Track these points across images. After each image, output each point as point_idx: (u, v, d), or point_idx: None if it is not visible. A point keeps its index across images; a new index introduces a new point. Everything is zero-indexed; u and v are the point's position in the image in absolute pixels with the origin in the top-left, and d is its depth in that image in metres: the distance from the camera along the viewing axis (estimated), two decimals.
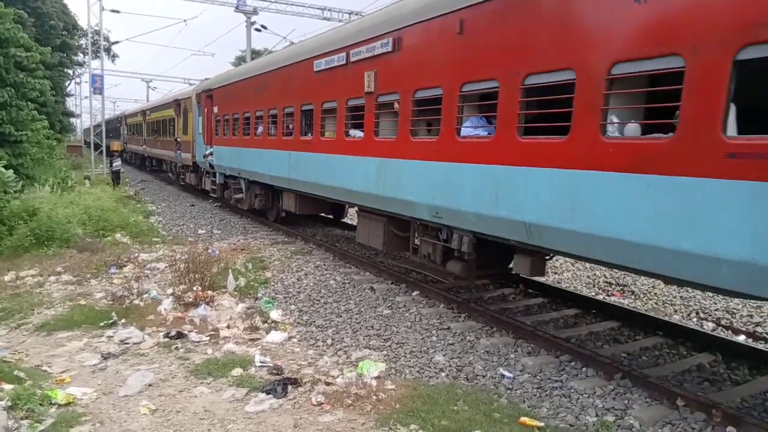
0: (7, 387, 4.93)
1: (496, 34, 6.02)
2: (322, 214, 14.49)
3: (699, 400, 4.87)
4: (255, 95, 13.52)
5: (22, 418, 4.48)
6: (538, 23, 5.47)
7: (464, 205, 6.48)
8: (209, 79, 18.51)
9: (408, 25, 7.44)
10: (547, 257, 6.69)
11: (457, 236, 6.97)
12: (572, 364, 5.90)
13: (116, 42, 49.73)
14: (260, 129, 13.31)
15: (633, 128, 4.73)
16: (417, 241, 8.24)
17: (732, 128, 3.95)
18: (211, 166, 17.43)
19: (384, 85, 8.05)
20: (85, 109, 56.52)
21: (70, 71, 46.25)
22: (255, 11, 28.46)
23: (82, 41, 42.25)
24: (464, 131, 6.56)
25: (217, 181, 17.33)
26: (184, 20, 33.37)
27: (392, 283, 8.95)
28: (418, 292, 8.41)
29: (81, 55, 44.49)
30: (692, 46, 4.06)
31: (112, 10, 31.57)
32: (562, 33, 5.19)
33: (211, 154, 17.19)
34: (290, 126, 11.55)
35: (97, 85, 30.47)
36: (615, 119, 4.79)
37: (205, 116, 17.72)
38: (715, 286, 4.21)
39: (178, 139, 22.13)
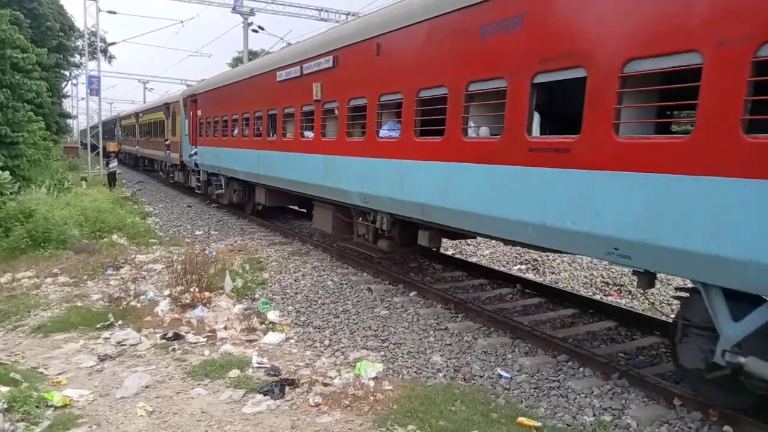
0: (3, 389, 4.91)
1: (400, 58, 7.65)
2: (295, 207, 15.76)
3: (696, 400, 4.88)
4: (232, 100, 15.08)
5: (18, 421, 4.47)
6: (424, 52, 7.19)
7: (382, 191, 8.05)
8: (194, 85, 20.54)
9: (343, 47, 9.08)
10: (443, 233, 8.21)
11: (380, 217, 8.62)
12: (569, 364, 5.90)
13: (113, 43, 49.81)
14: (236, 131, 14.75)
15: (484, 131, 6.39)
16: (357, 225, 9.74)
17: (535, 131, 5.65)
18: (196, 164, 18.82)
19: (328, 95, 9.66)
20: (82, 110, 56.34)
21: (67, 72, 46.15)
22: (252, 12, 28.45)
23: (79, 42, 42.11)
24: (382, 133, 8.12)
25: (201, 179, 18.81)
26: (181, 21, 33.36)
27: (390, 284, 8.96)
28: (415, 292, 8.41)
29: (78, 56, 44.37)
30: (509, 74, 5.73)
31: (109, 12, 31.57)
32: (438, 59, 6.87)
33: (196, 153, 18.53)
34: (259, 128, 13.09)
35: (93, 87, 30.41)
36: (473, 124, 6.48)
37: (191, 119, 19.22)
38: (523, 241, 5.96)
39: (167, 141, 23.52)
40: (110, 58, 52.10)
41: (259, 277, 9.59)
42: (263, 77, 12.76)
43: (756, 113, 3.88)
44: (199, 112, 18.26)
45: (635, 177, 4.52)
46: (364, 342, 6.69)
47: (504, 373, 5.70)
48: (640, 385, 5.28)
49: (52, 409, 4.79)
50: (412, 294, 8.39)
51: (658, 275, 5.84)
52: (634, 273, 5.22)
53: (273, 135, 12.29)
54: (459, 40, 6.48)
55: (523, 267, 10.90)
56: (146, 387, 5.35)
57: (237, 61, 45.75)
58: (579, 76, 4.98)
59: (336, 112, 9.44)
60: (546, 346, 6.29)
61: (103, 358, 6.11)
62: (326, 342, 6.81)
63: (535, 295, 8.47)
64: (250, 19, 28.53)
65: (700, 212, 4.10)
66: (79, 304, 8.09)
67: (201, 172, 18.62)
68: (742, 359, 4.19)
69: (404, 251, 9.47)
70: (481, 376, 5.71)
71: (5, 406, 4.58)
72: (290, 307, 8.11)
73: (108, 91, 57.01)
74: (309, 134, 10.54)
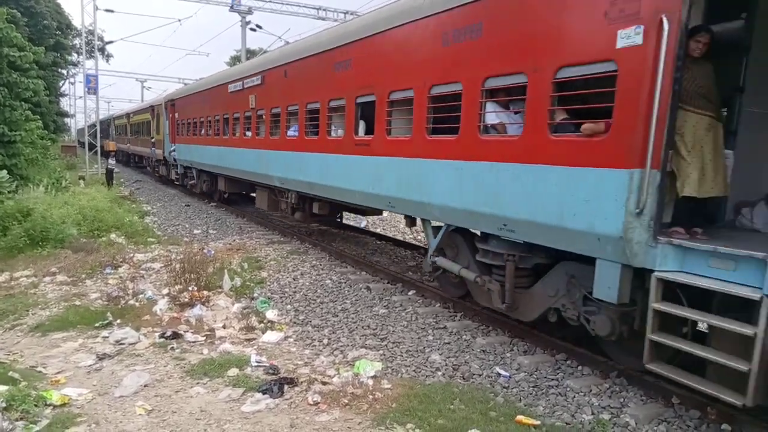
0: (2, 388, 4.90)
1: (298, 80, 10.85)
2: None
3: (694, 399, 4.89)
4: (200, 106, 18.31)
5: (17, 420, 4.46)
6: (309, 77, 10.36)
7: (290, 175, 11.22)
8: (173, 91, 24.28)
9: (266, 69, 12.54)
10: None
11: (291, 195, 11.92)
12: (568, 362, 5.92)
13: (111, 42, 49.68)
14: (203, 131, 17.93)
15: (340, 132, 9.33)
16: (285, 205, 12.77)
17: (361, 132, 8.63)
18: (175, 160, 21.87)
19: (258, 104, 13.05)
20: (80, 109, 56.12)
21: (64, 71, 46.06)
22: (250, 11, 28.42)
23: (76, 41, 42.07)
24: (289, 133, 11.31)
25: (179, 172, 22.29)
26: (179, 20, 33.33)
27: (388, 283, 8.96)
28: (414, 291, 8.42)
29: (75, 54, 44.30)
30: (417, 87, 7.21)
31: (107, 10, 31.52)
32: (315, 83, 10.01)
33: (174, 150, 21.60)
34: (218, 129, 16.31)
35: (91, 85, 30.35)
36: (334, 127, 9.60)
37: (170, 120, 22.30)
38: (354, 202, 9.37)
39: (153, 139, 26.52)
40: (108, 57, 52.08)
41: (258, 276, 9.59)
42: (220, 88, 15.95)
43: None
44: (177, 115, 21.33)
45: (397, 160, 7.57)
46: (362, 341, 6.69)
47: (503, 372, 5.71)
48: (639, 384, 5.30)
49: (51, 407, 4.78)
50: (410, 293, 8.39)
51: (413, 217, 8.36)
52: (405, 217, 8.43)
53: (227, 135, 15.51)
54: (323, 72, 9.70)
55: None
56: (145, 386, 5.34)
57: (235, 60, 45.71)
58: (371, 100, 8.16)
59: (264, 117, 12.74)
60: (544, 345, 6.31)
61: (101, 357, 6.10)
62: (325, 341, 6.81)
63: None
64: (248, 17, 28.52)
65: (417, 179, 7.19)
66: (77, 303, 8.08)
67: (178, 166, 21.81)
68: (436, 259, 7.43)
69: (312, 220, 12.71)
70: (480, 375, 5.72)
71: (4, 404, 4.57)
72: (289, 306, 8.11)
73: (106, 89, 56.88)
74: (248, 134, 13.87)
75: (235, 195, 18.25)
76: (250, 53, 32.80)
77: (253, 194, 15.91)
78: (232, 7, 28.08)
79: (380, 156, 8.00)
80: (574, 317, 5.62)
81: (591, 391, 5.27)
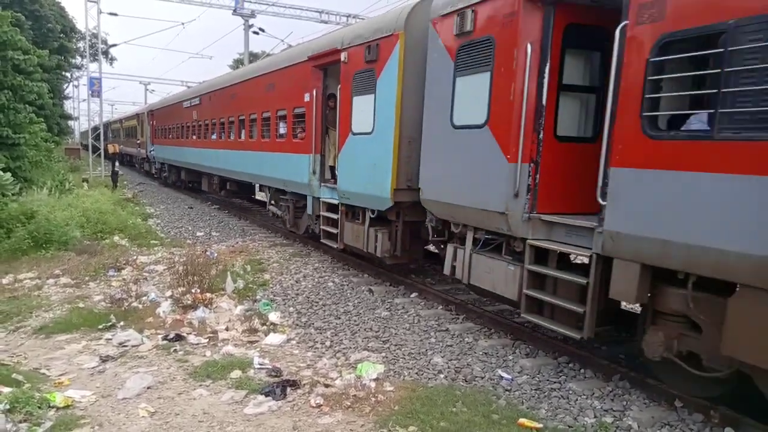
0: (6, 390, 4.92)
1: (214, 104, 17.37)
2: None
3: (697, 402, 4.88)
4: (168, 116, 24.92)
5: (20, 421, 4.48)
6: (220, 102, 16.84)
7: (214, 164, 17.31)
8: (153, 103, 32.79)
9: (201, 94, 19.18)
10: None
11: (217, 179, 18.39)
12: (570, 365, 5.91)
13: (114, 45, 49.81)
14: (170, 135, 24.27)
15: (232, 137, 15.96)
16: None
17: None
18: (154, 158, 28.41)
19: (198, 117, 19.61)
20: (83, 111, 56.35)
21: (68, 74, 46.21)
22: (253, 14, 28.53)
23: (80, 44, 42.21)
24: (212, 137, 17.55)
25: (156, 167, 28.59)
26: (182, 23, 33.51)
27: (390, 285, 8.97)
28: (416, 293, 8.43)
29: (79, 57, 44.44)
30: (236, 115, 15.51)
31: (110, 13, 31.67)
32: (223, 105, 16.62)
33: (153, 150, 28.21)
34: (179, 134, 22.53)
35: (95, 88, 30.47)
36: (232, 133, 15.99)
37: (151, 126, 28.87)
38: (241, 179, 15.92)
39: (138, 141, 32.84)
40: (111, 60, 52.20)
41: (261, 278, 9.60)
42: (179, 104, 22.57)
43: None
44: (154, 122, 28.04)
45: (254, 153, 13.72)
46: (365, 343, 6.70)
47: (505, 375, 5.70)
48: (642, 387, 5.29)
49: (55, 410, 4.80)
50: (413, 295, 8.40)
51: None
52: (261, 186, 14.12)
53: (183, 138, 21.73)
54: (226, 99, 15.96)
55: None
56: (148, 388, 5.36)
57: (238, 63, 45.81)
58: (243, 118, 14.78)
59: (200, 126, 19.25)
60: (547, 348, 6.30)
61: (105, 359, 6.12)
62: (327, 343, 6.82)
63: None
64: (251, 21, 28.61)
65: (260, 163, 13.35)
66: (80, 305, 8.10)
67: (156, 162, 28.20)
68: (270, 207, 13.98)
69: (231, 195, 19.74)
70: (482, 378, 5.71)
71: (7, 406, 4.59)
72: (291, 308, 8.12)
73: (109, 92, 57.16)
74: (194, 138, 20.15)
75: (193, 182, 22.98)
76: (253, 56, 32.87)
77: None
78: (235, 10, 28.19)
79: (250, 150, 14.02)
80: (314, 227, 11.11)
81: (593, 394, 5.27)
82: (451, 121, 6.71)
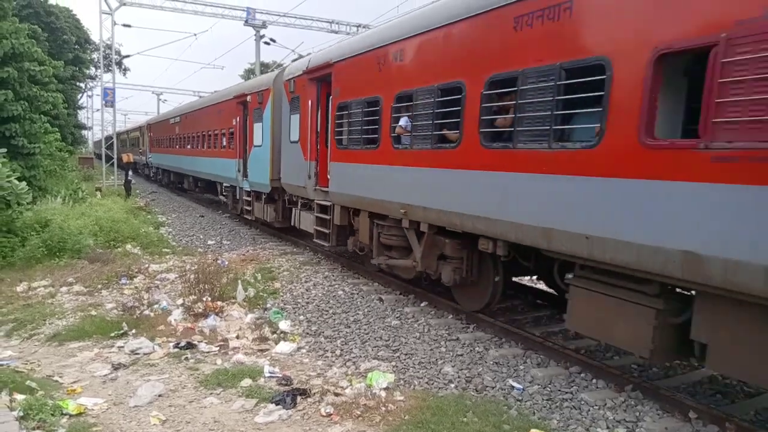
0: (19, 397, 4.98)
1: (188, 122, 23.54)
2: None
3: (712, 413, 4.82)
4: (160, 129, 30.94)
5: (33, 429, 4.52)
6: (189, 120, 23.25)
7: (190, 167, 22.99)
8: (151, 118, 39.30)
9: (182, 114, 25.36)
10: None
11: (192, 178, 23.69)
12: (582, 375, 5.86)
13: (128, 56, 50.42)
14: (163, 145, 29.63)
15: (200, 147, 22.17)
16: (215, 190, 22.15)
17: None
18: (151, 164, 34.19)
19: (180, 132, 24.94)
20: (97, 121, 57.04)
21: (82, 84, 46.86)
22: (264, 25, 28.80)
23: (94, 55, 42.86)
24: (188, 147, 22.95)
25: (153, 171, 34.32)
26: (195, 34, 33.85)
27: (400, 294, 8.96)
28: (426, 302, 8.41)
29: (93, 68, 45.08)
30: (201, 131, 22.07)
31: (124, 25, 32.07)
32: (192, 124, 22.87)
33: (151, 157, 33.65)
34: (169, 144, 27.75)
35: (108, 98, 30.85)
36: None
37: (149, 137, 34.21)
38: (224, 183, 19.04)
39: (141, 150, 37.18)
40: (125, 71, 52.85)
41: (271, 286, 9.63)
42: (167, 121, 28.91)
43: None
44: (151, 134, 33.52)
45: (211, 159, 19.32)
46: (375, 352, 6.69)
47: (516, 384, 5.67)
48: (654, 398, 5.23)
49: (67, 417, 4.84)
50: (423, 304, 8.38)
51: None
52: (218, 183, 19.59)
53: (172, 147, 27.10)
54: (192, 120, 22.49)
55: (534, 277, 10.84)
56: (159, 396, 5.39)
57: (249, 73, 46.21)
58: (204, 134, 21.17)
59: (182, 138, 24.23)
60: (558, 358, 6.26)
61: (116, 367, 6.17)
62: (337, 352, 6.82)
63: (546, 306, 8.43)
64: (262, 31, 28.87)
65: (214, 168, 19.43)
66: (93, 313, 8.18)
67: (153, 167, 34.05)
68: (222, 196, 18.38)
69: (203, 192, 23.39)
70: (493, 387, 5.68)
71: (21, 413, 4.64)
72: (302, 317, 8.14)
73: (122, 102, 57.91)
74: (177, 147, 25.45)
75: (179, 182, 27.51)
76: (264, 66, 33.17)
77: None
78: (246, 21, 28.49)
79: (209, 157, 19.45)
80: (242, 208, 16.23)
81: (606, 404, 5.21)
82: (289, 139, 11.91)
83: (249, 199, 15.24)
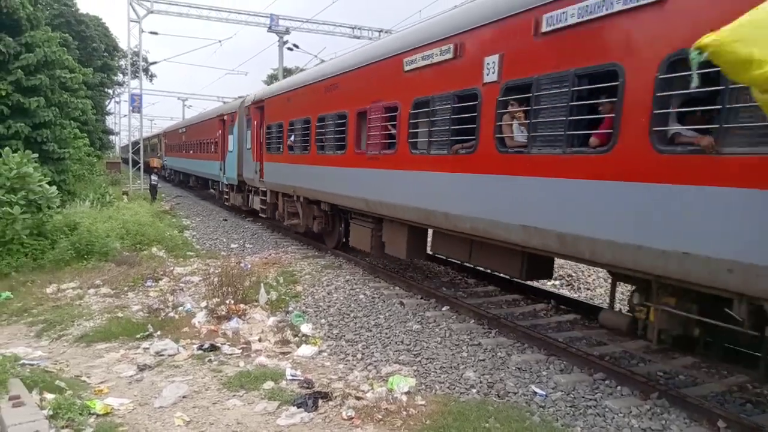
0: (49, 396, 5.10)
1: (191, 133, 29.94)
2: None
3: (742, 423, 4.70)
4: (172, 137, 37.14)
5: (62, 427, 4.63)
6: (191, 131, 30.16)
7: (190, 168, 30.60)
8: (166, 127, 47.15)
9: (186, 125, 32.93)
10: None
11: (192, 177, 32.29)
12: (606, 382, 5.76)
13: (154, 62, 51.39)
14: (175, 150, 35.20)
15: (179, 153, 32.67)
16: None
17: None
18: (165, 166, 40.14)
19: (186, 140, 31.34)
20: (124, 127, 58.39)
21: (111, 90, 47.95)
22: (287, 31, 29.10)
23: (122, 62, 43.83)
24: (191, 152, 29.87)
25: (167, 172, 40.63)
26: (219, 41, 34.35)
27: (422, 298, 8.94)
28: (447, 307, 8.37)
29: (121, 75, 46.13)
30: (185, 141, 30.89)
31: (151, 32, 32.72)
32: (193, 136, 29.38)
33: (166, 161, 39.68)
34: (178, 150, 33.92)
35: (135, 104, 31.47)
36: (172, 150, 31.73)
37: (165, 143, 40.71)
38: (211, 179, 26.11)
39: (158, 154, 42.97)
40: (151, 77, 53.87)
41: (293, 290, 9.70)
42: (176, 130, 35.79)
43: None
44: (166, 141, 40.21)
45: (195, 161, 28.72)
46: (396, 356, 6.68)
47: (539, 391, 5.60)
48: (682, 406, 5.12)
49: (95, 416, 4.94)
50: (444, 309, 8.35)
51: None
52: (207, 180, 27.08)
53: (180, 152, 33.18)
54: (194, 130, 29.06)
55: (557, 282, 10.72)
56: (183, 397, 5.46)
57: (272, 78, 46.70)
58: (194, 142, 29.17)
59: (186, 145, 30.83)
60: (582, 364, 6.17)
61: (142, 368, 6.27)
62: (359, 355, 6.83)
63: (570, 311, 8.32)
64: (285, 37, 29.17)
65: (197, 167, 28.54)
66: (119, 314, 8.33)
67: (168, 169, 40.05)
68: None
69: (202, 188, 30.53)
70: (516, 393, 5.62)
71: (51, 413, 4.75)
72: (323, 320, 8.17)
73: (149, 108, 59.02)
74: (183, 152, 32.02)
75: (186, 181, 34.57)
76: (287, 71, 33.49)
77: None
78: (270, 28, 28.83)
79: (203, 160, 25.59)
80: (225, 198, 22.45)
81: (631, 412, 5.12)
82: (246, 147, 17.22)
83: (227, 190, 21.43)
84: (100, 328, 7.70)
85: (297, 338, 7.48)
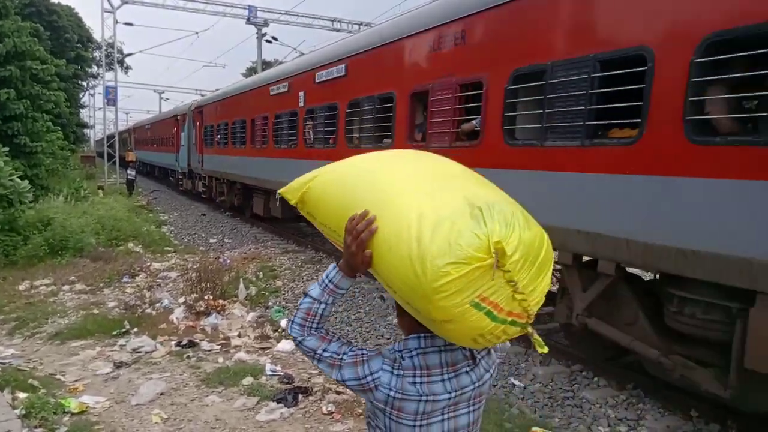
0: (22, 395, 4.99)
1: (153, 129, 35.95)
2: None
3: (714, 411, 4.81)
4: (140, 132, 42.17)
5: (36, 427, 4.53)
6: (155, 127, 35.22)
7: (157, 160, 34.43)
8: (134, 123, 51.43)
9: (150, 123, 38.25)
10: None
11: (157, 168, 37.04)
12: (584, 373, 5.86)
13: (129, 54, 50.52)
14: (143, 144, 38.30)
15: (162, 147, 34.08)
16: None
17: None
18: (139, 159, 38.46)
19: (151, 134, 35.51)
20: (99, 120, 57.30)
21: (85, 83, 46.99)
22: (266, 23, 28.77)
23: (96, 53, 42.92)
24: (154, 146, 34.60)
25: (137, 164, 38.42)
26: (196, 32, 33.81)
27: None
28: None
29: (95, 66, 45.17)
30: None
31: (126, 23, 32.08)
32: (156, 130, 34.64)
33: (136, 156, 38.48)
34: (145, 144, 37.76)
35: (110, 97, 30.90)
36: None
37: (134, 138, 44.07)
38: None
39: (129, 148, 42.62)
40: (127, 69, 52.99)
41: (273, 285, 9.64)
42: (143, 126, 40.91)
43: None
44: (135, 135, 43.91)
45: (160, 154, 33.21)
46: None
47: (517, 383, 5.67)
48: (656, 396, 5.23)
49: (69, 415, 4.84)
50: None
51: None
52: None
53: (146, 146, 36.92)
54: (157, 127, 33.53)
55: None
56: (161, 394, 5.39)
57: (250, 71, 46.23)
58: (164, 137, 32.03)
59: (151, 139, 35.27)
60: (560, 356, 6.26)
61: (118, 365, 6.17)
62: None
63: (548, 303, 8.42)
64: (264, 29, 28.84)
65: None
66: (95, 311, 8.18)
67: (140, 162, 39.22)
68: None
69: (164, 176, 34.64)
70: (494, 386, 5.68)
71: (23, 412, 4.65)
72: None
73: (124, 101, 58.04)
74: (149, 146, 36.13)
75: (153, 171, 38.23)
76: (266, 64, 33.17)
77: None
78: (248, 19, 28.47)
79: (162, 152, 30.89)
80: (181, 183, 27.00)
81: (607, 402, 5.21)
82: (192, 142, 22.33)
83: (181, 177, 25.73)
84: (75, 326, 7.56)
85: (277, 333, 7.43)
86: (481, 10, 6.05)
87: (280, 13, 29.19)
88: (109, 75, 34.07)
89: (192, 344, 6.84)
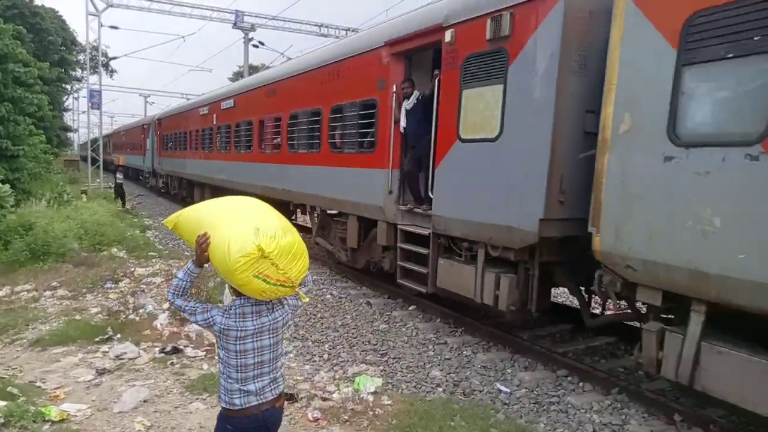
0: (1, 404, 4.88)
1: (128, 135, 41.03)
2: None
3: (697, 415, 4.87)
4: (117, 137, 47.11)
5: None
6: (130, 134, 40.01)
7: (133, 163, 36.70)
8: (114, 129, 54.89)
9: (126, 129, 44.12)
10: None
11: (131, 170, 37.77)
12: (569, 378, 5.89)
13: (115, 57, 50.04)
14: (122, 149, 41.59)
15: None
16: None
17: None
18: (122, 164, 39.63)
19: (126, 139, 41.49)
20: (83, 123, 56.75)
21: (69, 86, 46.41)
22: (253, 28, 28.71)
23: (81, 57, 42.44)
24: (128, 150, 38.52)
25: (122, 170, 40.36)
26: (183, 36, 33.61)
27: (389, 298, 8.95)
28: (414, 306, 8.41)
29: (79, 70, 44.65)
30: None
31: (111, 27, 31.76)
32: (130, 136, 40.03)
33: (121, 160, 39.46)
34: (123, 148, 41.43)
35: (94, 101, 30.53)
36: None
37: (114, 143, 47.29)
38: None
39: (109, 152, 46.33)
40: (112, 72, 52.40)
41: None
42: (120, 132, 47.12)
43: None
44: (113, 140, 47.53)
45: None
46: (363, 356, 6.67)
47: (503, 388, 5.68)
48: (640, 400, 5.28)
49: (50, 423, 4.76)
50: (411, 308, 8.38)
51: None
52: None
53: (123, 150, 39.94)
54: (133, 134, 38.09)
55: None
56: (144, 401, 5.32)
57: (237, 76, 46.08)
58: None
59: (127, 144, 39.94)
60: (546, 361, 6.29)
61: (101, 372, 6.08)
62: (325, 356, 6.79)
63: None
64: (251, 34, 28.77)
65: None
66: (77, 317, 8.06)
67: (124, 167, 40.44)
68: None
69: (137, 176, 38.16)
70: (481, 391, 5.69)
71: (2, 420, 4.55)
72: (289, 321, 8.08)
73: (109, 104, 57.55)
74: (125, 150, 40.22)
75: (130, 172, 37.72)
76: (253, 68, 33.08)
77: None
78: (235, 24, 28.38)
79: (137, 156, 34.51)
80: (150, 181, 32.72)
81: (592, 407, 5.25)
82: (154, 147, 28.24)
83: (148, 176, 30.55)
84: (56, 332, 7.43)
85: None
86: (316, 68, 10.39)
87: (267, 18, 29.14)
88: (93, 78, 33.69)
89: (176, 350, 6.77)
